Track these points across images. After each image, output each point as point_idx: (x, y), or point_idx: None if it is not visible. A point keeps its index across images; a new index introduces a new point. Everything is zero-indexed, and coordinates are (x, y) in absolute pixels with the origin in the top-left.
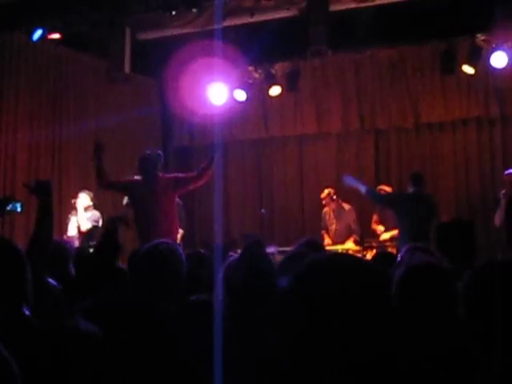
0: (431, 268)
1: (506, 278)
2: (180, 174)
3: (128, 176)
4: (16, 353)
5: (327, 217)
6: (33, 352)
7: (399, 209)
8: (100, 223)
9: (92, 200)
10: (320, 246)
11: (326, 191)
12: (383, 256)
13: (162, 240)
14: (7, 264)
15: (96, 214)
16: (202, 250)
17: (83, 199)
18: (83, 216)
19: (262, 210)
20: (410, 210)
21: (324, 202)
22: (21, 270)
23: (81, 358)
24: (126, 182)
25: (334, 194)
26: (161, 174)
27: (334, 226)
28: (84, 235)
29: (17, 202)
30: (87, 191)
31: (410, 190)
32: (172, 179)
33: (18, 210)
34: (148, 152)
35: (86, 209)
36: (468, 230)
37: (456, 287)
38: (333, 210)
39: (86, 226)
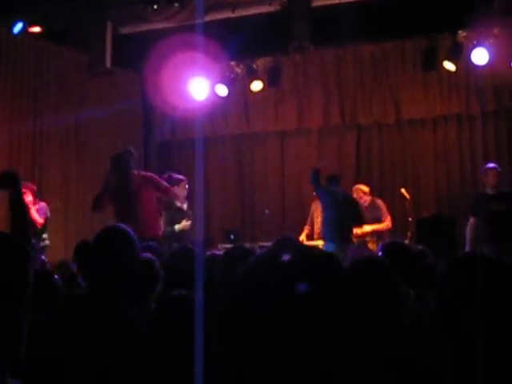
0: (373, 261)
1: (480, 269)
2: (155, 178)
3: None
4: None
5: (315, 209)
6: None
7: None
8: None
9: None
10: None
11: None
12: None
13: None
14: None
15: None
16: (190, 246)
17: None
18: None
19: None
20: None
21: (314, 195)
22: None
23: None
24: (105, 185)
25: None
26: (136, 172)
27: (320, 219)
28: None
29: None
30: None
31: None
32: (148, 178)
33: None
34: (117, 153)
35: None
36: (449, 226)
37: (396, 281)
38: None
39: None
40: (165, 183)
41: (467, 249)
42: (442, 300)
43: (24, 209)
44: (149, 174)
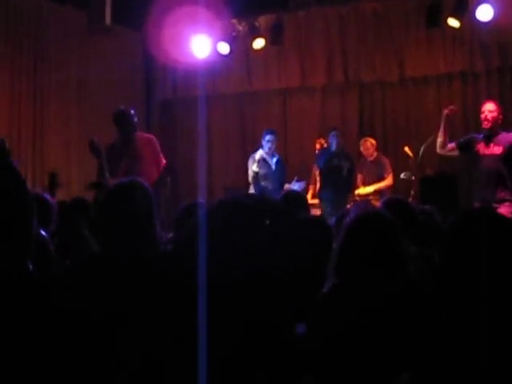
0: (376, 216)
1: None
2: (157, 146)
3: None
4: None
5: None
6: (36, 308)
7: None
8: None
9: None
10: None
11: (319, 141)
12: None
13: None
14: (15, 214)
15: None
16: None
17: None
18: None
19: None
20: None
21: (317, 153)
22: (28, 223)
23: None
24: (107, 152)
25: (326, 143)
26: (139, 133)
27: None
28: None
29: None
30: None
31: None
32: (151, 142)
33: None
34: (122, 108)
35: None
36: (452, 183)
37: (399, 235)
38: None
39: None
40: (161, 158)
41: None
42: (449, 255)
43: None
44: (153, 138)
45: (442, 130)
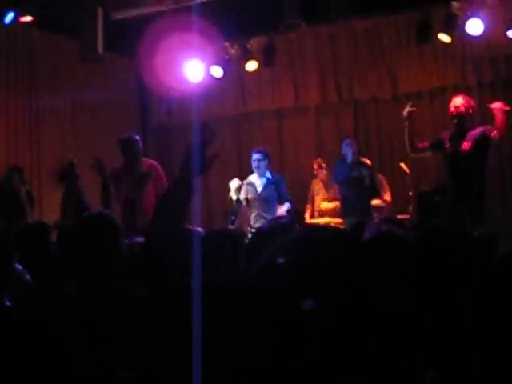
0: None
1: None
2: (161, 173)
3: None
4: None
5: (316, 187)
6: (14, 343)
7: None
8: None
9: None
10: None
11: (316, 162)
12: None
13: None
14: None
15: None
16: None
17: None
18: None
19: None
20: None
21: (315, 173)
22: (8, 260)
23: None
24: (113, 175)
25: (324, 162)
26: (143, 159)
27: (321, 196)
28: None
29: None
30: None
31: None
32: (155, 168)
33: None
34: (127, 135)
35: None
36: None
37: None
38: (322, 181)
39: None
40: (164, 185)
41: None
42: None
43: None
44: (156, 164)
45: (406, 132)
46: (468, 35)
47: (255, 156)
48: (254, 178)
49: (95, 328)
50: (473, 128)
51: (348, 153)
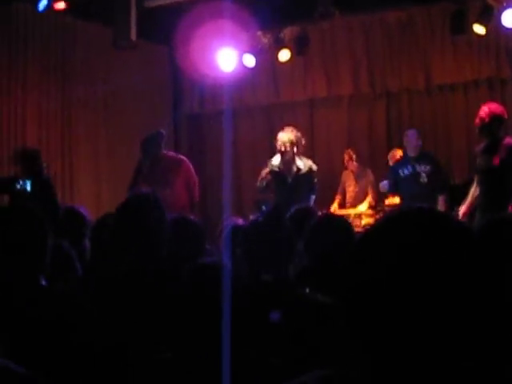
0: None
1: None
2: (192, 175)
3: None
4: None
5: (346, 178)
6: (47, 322)
7: None
8: None
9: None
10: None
11: (347, 152)
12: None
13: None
14: (29, 232)
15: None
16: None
17: None
18: None
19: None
20: None
21: (345, 164)
22: (42, 239)
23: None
24: (137, 170)
25: (354, 154)
26: (166, 152)
27: (352, 188)
28: None
29: (26, 179)
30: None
31: None
32: (182, 166)
33: (28, 188)
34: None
35: None
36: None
37: None
38: (352, 172)
39: None
40: (194, 181)
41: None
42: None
43: None
44: (184, 161)
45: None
46: (503, 27)
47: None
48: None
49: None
50: (504, 138)
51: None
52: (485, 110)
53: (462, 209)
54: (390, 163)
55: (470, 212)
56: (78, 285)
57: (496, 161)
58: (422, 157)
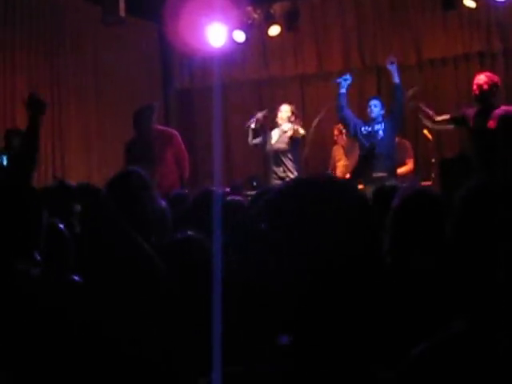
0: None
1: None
2: (182, 150)
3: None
4: (20, 303)
5: (336, 153)
6: (37, 303)
7: None
8: None
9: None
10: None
11: (337, 127)
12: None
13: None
14: (23, 208)
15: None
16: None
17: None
18: None
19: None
20: None
21: (335, 139)
22: (37, 215)
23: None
24: (128, 146)
25: (344, 128)
26: (156, 126)
27: (342, 162)
28: None
29: (2, 154)
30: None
31: None
32: (173, 140)
33: (4, 162)
34: (136, 110)
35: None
36: (471, 165)
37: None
38: (342, 146)
39: None
40: (184, 155)
41: None
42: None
43: (36, 135)
44: (175, 135)
45: (420, 111)
46: (494, 1)
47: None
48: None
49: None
50: (498, 106)
51: (371, 114)
52: (483, 79)
53: None
54: None
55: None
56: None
57: (492, 124)
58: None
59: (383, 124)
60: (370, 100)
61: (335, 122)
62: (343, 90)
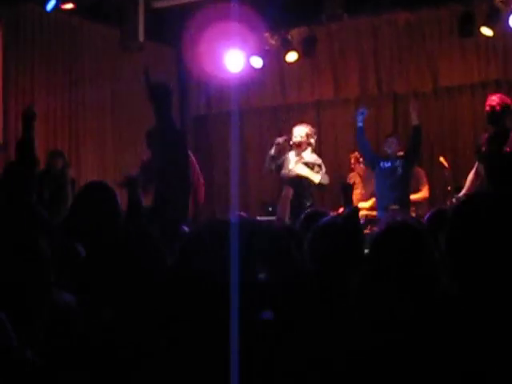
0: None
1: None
2: (197, 174)
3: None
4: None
5: (352, 181)
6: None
7: None
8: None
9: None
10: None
11: (353, 155)
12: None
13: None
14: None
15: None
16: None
17: None
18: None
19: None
20: None
21: (352, 167)
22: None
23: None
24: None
25: (361, 157)
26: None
27: (358, 191)
28: None
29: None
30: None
31: None
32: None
33: None
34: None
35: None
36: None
37: (431, 248)
38: (359, 174)
39: None
40: (198, 179)
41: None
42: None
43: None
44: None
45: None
46: (511, 29)
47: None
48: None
49: None
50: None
51: (389, 150)
52: (495, 100)
53: (461, 196)
54: None
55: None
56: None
57: (507, 148)
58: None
59: (401, 161)
60: (387, 137)
61: (352, 150)
62: (360, 124)
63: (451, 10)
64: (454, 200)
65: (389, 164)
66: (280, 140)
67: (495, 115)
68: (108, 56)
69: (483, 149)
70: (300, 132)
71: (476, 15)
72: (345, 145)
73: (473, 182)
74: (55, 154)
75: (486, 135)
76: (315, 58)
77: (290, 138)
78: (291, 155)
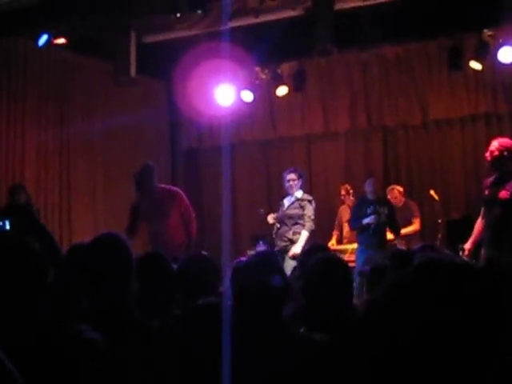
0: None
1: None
2: (188, 208)
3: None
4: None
5: (343, 213)
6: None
7: None
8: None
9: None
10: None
11: (344, 187)
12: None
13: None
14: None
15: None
16: (205, 253)
17: None
18: None
19: (261, 210)
20: None
21: (342, 199)
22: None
23: (83, 365)
24: (133, 208)
25: (351, 189)
26: (159, 185)
27: (347, 229)
28: None
29: (5, 218)
30: None
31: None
32: (174, 195)
33: (7, 227)
34: (136, 173)
35: None
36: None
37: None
38: (349, 207)
39: None
40: (190, 213)
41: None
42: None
43: None
44: (178, 191)
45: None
46: (499, 63)
47: (288, 176)
48: (285, 199)
49: None
50: None
51: (368, 191)
52: (495, 145)
53: (467, 245)
54: (390, 199)
55: (475, 248)
56: None
57: (504, 194)
58: (381, 200)
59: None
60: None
61: (342, 182)
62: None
63: (440, 43)
64: (460, 252)
65: (373, 208)
66: (271, 220)
67: (494, 160)
68: (99, 90)
69: (486, 192)
70: (291, 177)
71: (465, 49)
72: (335, 177)
73: (480, 231)
74: (18, 189)
75: (491, 179)
76: (305, 91)
77: (276, 217)
78: (285, 200)
